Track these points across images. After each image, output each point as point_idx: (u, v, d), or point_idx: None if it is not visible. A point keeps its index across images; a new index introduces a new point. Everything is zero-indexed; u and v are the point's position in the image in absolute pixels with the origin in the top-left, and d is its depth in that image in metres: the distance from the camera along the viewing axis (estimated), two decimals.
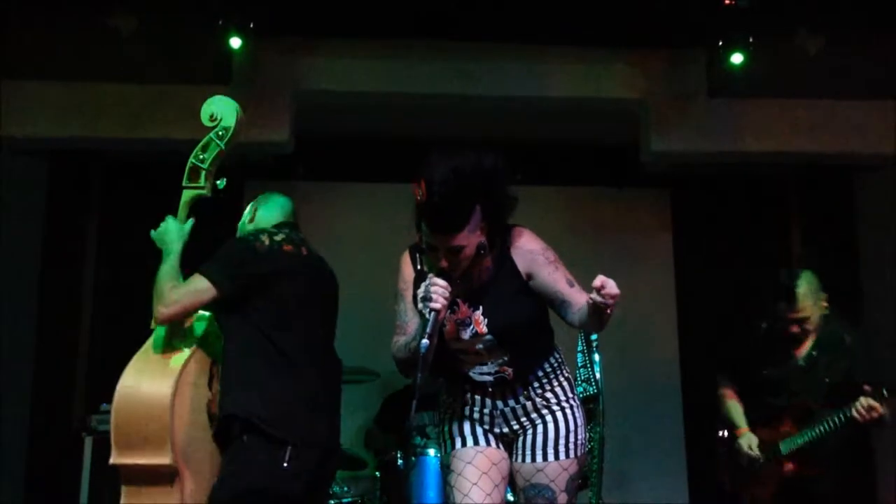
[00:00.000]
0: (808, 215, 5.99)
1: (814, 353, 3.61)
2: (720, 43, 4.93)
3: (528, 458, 2.62)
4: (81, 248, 5.70)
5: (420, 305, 2.40)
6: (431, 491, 4.34)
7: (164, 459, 2.60)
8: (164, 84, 5.09)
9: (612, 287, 2.26)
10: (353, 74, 5.22)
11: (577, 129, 5.78)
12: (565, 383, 2.67)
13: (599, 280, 2.26)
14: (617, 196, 6.16)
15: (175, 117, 5.11)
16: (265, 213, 3.10)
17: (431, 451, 4.36)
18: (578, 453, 2.64)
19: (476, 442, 2.65)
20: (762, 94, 5.28)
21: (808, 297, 3.57)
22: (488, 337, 2.55)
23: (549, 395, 2.63)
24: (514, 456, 2.66)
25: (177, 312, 2.74)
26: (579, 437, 2.64)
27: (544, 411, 2.63)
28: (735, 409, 3.76)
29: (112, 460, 2.63)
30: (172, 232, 2.91)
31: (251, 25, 4.74)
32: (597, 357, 4.70)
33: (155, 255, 5.90)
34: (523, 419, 2.63)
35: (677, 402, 5.89)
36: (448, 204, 2.36)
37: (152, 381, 2.69)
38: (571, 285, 2.52)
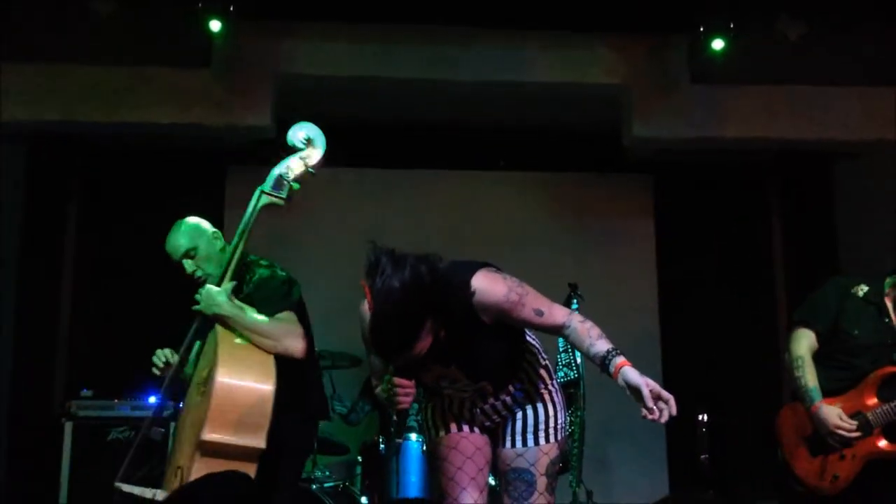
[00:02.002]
0: (788, 201, 6.03)
1: None
2: (702, 29, 4.94)
3: (509, 444, 2.65)
4: (61, 234, 5.65)
5: (386, 403, 2.38)
6: (413, 476, 4.36)
7: (259, 444, 2.79)
8: (144, 67, 5.05)
9: (671, 407, 2.31)
10: (334, 58, 5.20)
11: (559, 115, 5.77)
12: (543, 372, 2.68)
13: (652, 391, 2.28)
14: (599, 181, 6.17)
15: (155, 101, 5.08)
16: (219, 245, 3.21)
17: (413, 436, 4.37)
18: (559, 437, 2.66)
19: (460, 428, 2.68)
20: (744, 81, 5.30)
21: None
22: (467, 381, 2.58)
23: (528, 387, 2.65)
24: (496, 441, 2.68)
25: (305, 341, 2.99)
26: (559, 421, 2.67)
27: (525, 402, 2.65)
28: (814, 375, 3.41)
29: (204, 436, 2.74)
30: (216, 294, 2.95)
31: (231, 8, 4.70)
32: None
33: (135, 241, 5.85)
34: (504, 412, 2.65)
35: None
36: (391, 338, 2.25)
37: (254, 371, 2.87)
38: (541, 315, 2.43)
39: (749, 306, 6.02)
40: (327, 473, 4.58)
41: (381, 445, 4.47)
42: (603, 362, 2.34)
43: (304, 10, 5.01)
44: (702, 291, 5.96)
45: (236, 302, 2.95)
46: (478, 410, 2.65)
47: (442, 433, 2.68)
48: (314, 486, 4.33)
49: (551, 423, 2.64)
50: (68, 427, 4.69)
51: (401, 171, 6.02)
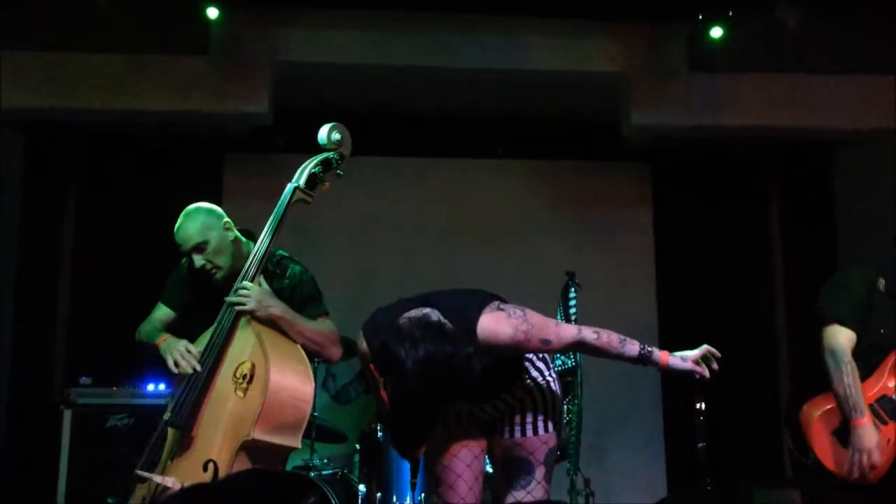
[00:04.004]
0: (787, 190, 6.03)
1: None
2: (701, 17, 4.93)
3: (507, 434, 2.66)
4: (60, 221, 5.64)
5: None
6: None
7: (297, 444, 2.90)
8: (141, 54, 5.03)
9: (714, 353, 2.62)
10: (332, 46, 5.18)
11: (557, 103, 5.76)
12: (541, 363, 2.68)
13: (697, 362, 2.59)
14: (597, 170, 6.17)
15: (152, 88, 5.07)
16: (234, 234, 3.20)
17: None
18: (557, 426, 2.67)
19: (457, 419, 2.68)
20: (743, 69, 5.29)
21: None
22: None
23: (528, 382, 2.65)
24: (494, 431, 2.69)
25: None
26: (557, 410, 2.68)
27: (524, 395, 2.65)
28: (860, 385, 3.27)
29: (254, 435, 2.76)
30: (267, 294, 2.98)
31: None
32: None
33: (133, 228, 5.83)
34: (503, 407, 2.66)
35: (655, 375, 5.92)
36: (411, 440, 2.40)
37: (299, 372, 2.92)
38: (548, 343, 2.45)
39: (747, 295, 6.02)
40: (325, 461, 4.59)
41: (379, 433, 4.47)
42: (642, 362, 2.51)
43: None
44: (700, 280, 5.96)
45: (297, 314, 2.99)
46: (477, 407, 2.66)
47: (439, 423, 2.69)
48: (312, 475, 4.34)
49: (550, 413, 2.65)
50: (67, 414, 4.70)
51: (398, 159, 6.00)
